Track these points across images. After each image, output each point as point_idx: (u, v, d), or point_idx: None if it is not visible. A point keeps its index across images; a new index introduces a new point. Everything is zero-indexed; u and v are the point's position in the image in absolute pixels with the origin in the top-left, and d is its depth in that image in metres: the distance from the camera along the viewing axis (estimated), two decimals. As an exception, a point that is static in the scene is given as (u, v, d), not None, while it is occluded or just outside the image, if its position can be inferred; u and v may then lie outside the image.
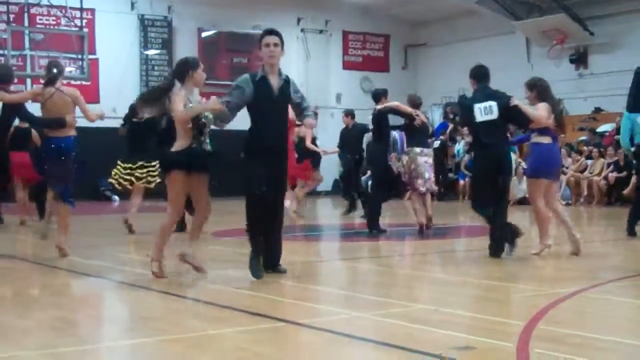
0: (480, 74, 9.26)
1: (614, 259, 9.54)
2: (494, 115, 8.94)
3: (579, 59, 24.74)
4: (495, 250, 8.99)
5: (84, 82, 22.07)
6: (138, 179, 12.20)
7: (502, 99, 9.05)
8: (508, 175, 9.39)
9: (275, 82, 7.73)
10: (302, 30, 28.27)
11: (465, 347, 4.71)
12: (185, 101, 7.47)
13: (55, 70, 9.26)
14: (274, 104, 7.67)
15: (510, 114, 8.99)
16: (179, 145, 7.47)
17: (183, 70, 7.67)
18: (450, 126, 24.55)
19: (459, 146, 24.45)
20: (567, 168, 20.10)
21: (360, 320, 5.74)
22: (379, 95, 12.99)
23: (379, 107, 12.59)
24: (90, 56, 23.08)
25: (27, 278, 8.41)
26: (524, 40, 25.92)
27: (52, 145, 9.11)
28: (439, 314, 5.79)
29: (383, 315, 5.79)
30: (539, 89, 9.23)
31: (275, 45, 7.79)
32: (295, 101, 7.92)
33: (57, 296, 7.31)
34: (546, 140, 9.12)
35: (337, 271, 8.91)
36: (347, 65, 29.53)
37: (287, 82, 7.84)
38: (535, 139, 9.19)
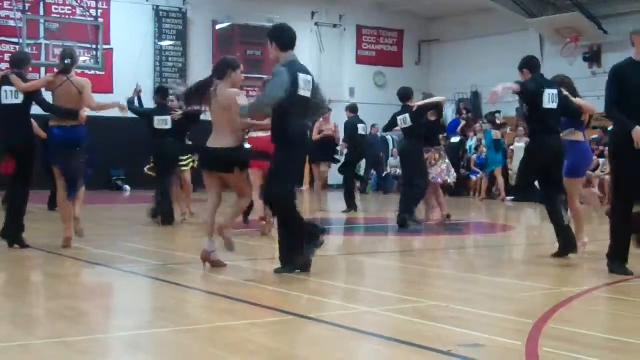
0: (533, 64, 8.96)
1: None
2: (555, 104, 8.70)
3: (593, 58, 24.64)
4: (564, 250, 8.67)
5: (98, 72, 22.15)
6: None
7: (557, 88, 8.81)
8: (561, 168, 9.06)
9: None
10: (316, 24, 28.25)
11: (475, 344, 4.70)
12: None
13: (68, 61, 9.25)
14: None
15: (565, 104, 8.75)
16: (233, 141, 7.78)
17: (224, 70, 7.87)
18: (462, 123, 24.48)
19: (471, 142, 24.39)
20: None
21: (370, 316, 5.74)
22: (409, 94, 13.24)
23: (419, 103, 12.87)
24: (105, 46, 23.15)
25: (38, 267, 8.44)
26: (537, 37, 25.84)
27: (59, 134, 9.13)
28: (449, 311, 5.79)
29: (393, 311, 5.79)
30: (567, 86, 9.10)
31: None
32: None
33: (67, 285, 7.34)
34: (581, 137, 9.03)
35: (348, 266, 8.91)
36: (360, 60, 29.50)
37: None
38: (570, 136, 8.92)
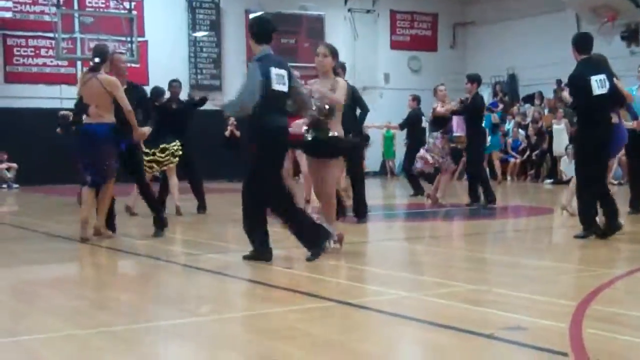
0: (580, 44, 8.63)
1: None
2: (606, 89, 8.44)
3: (630, 36, 24.29)
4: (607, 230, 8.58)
5: (133, 65, 22.25)
6: (159, 163, 12.08)
7: (611, 73, 8.61)
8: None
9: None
10: (349, 10, 28.16)
11: (517, 327, 4.66)
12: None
13: (97, 60, 9.26)
14: None
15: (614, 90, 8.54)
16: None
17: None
18: (500, 106, 24.35)
19: (509, 125, 24.23)
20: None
21: (410, 301, 5.72)
22: (478, 79, 13.60)
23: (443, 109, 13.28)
24: (139, 38, 23.31)
25: (77, 258, 8.53)
26: (574, 17, 25.51)
27: (84, 131, 9.23)
28: (490, 294, 5.76)
29: (433, 296, 5.77)
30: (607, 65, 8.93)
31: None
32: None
33: (107, 275, 7.42)
34: (616, 119, 8.93)
35: (386, 251, 8.89)
36: (394, 45, 29.37)
37: None
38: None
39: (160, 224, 9.59)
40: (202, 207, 12.86)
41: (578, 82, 8.50)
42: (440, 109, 13.40)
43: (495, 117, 21.76)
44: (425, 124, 16.24)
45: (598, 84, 8.41)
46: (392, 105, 24.45)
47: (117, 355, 4.33)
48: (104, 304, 5.84)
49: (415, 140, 16.15)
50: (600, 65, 8.67)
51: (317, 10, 27.40)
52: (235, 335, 4.80)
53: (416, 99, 16.64)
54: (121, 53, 11.98)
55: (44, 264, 8.09)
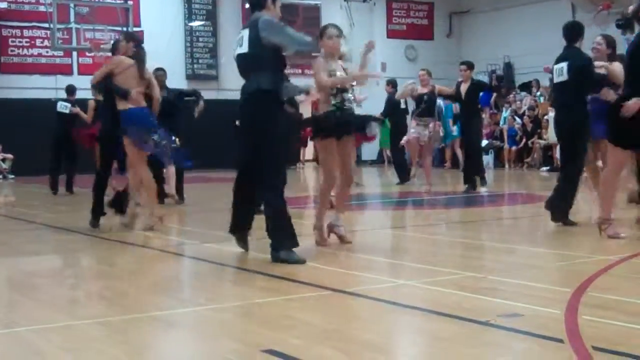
0: (565, 34, 8.98)
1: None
2: (564, 76, 8.74)
3: (626, 24, 24.24)
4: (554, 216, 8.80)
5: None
6: None
7: (576, 60, 8.74)
8: (580, 139, 8.91)
9: None
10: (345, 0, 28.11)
11: (514, 314, 4.68)
12: (328, 68, 7.58)
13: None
14: None
15: (583, 75, 8.65)
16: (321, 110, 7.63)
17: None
18: (494, 94, 24.35)
19: (506, 113, 24.25)
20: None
21: (408, 288, 5.73)
22: (473, 65, 14.02)
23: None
24: (135, 28, 23.19)
25: (75, 249, 8.52)
26: (569, 5, 25.50)
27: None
28: (487, 282, 5.77)
29: (430, 283, 5.78)
30: (614, 49, 9.02)
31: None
32: None
33: (105, 266, 7.42)
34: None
35: (383, 239, 8.90)
36: (391, 34, 29.33)
37: None
38: (606, 96, 8.89)
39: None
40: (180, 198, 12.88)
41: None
42: (440, 87, 13.88)
43: (456, 107, 21.64)
44: (404, 105, 16.37)
45: (557, 72, 8.83)
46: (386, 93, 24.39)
47: (114, 345, 4.33)
48: (100, 295, 5.85)
49: (397, 124, 16.25)
50: (568, 55, 8.86)
51: (314, 0, 27.35)
52: (233, 324, 4.80)
53: (391, 83, 16.82)
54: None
55: (40, 254, 8.10)
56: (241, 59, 7.00)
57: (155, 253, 7.82)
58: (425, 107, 13.44)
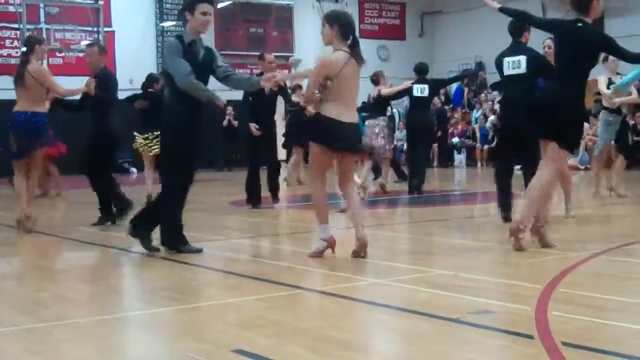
0: (511, 29, 9.09)
1: (631, 222, 9.49)
2: (522, 69, 8.75)
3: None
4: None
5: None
6: (151, 148, 12.25)
7: (532, 52, 8.85)
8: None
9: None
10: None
11: (485, 311, 4.68)
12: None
13: (23, 49, 9.27)
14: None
15: (539, 66, 8.71)
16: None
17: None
18: (466, 90, 24.47)
19: (477, 114, 24.36)
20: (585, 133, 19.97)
21: (379, 287, 5.72)
22: (426, 68, 13.93)
23: (386, 91, 13.59)
24: (106, 29, 23.09)
25: (41, 250, 8.44)
26: (539, 5, 25.64)
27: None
28: (457, 279, 5.77)
29: (401, 281, 5.77)
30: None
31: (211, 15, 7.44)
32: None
33: (69, 267, 7.36)
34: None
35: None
36: (363, 34, 29.26)
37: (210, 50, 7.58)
38: None
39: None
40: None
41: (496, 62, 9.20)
42: (383, 89, 13.71)
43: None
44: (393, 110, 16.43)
45: (509, 65, 8.90)
46: (361, 93, 24.19)
47: (80, 347, 4.27)
48: (65, 296, 5.78)
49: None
50: (524, 49, 8.94)
51: (286, 0, 27.32)
52: (202, 325, 4.76)
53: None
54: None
55: (4, 256, 8.00)
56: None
57: (121, 253, 7.75)
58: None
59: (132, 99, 12.45)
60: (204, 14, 7.21)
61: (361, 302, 5.17)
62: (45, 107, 9.33)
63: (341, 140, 6.79)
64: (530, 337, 4.06)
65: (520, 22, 8.86)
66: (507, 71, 8.90)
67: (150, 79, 12.60)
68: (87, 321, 4.80)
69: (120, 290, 5.97)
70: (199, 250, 7.23)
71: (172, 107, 7.10)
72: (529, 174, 8.03)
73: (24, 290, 6.03)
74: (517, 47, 8.94)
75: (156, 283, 6.29)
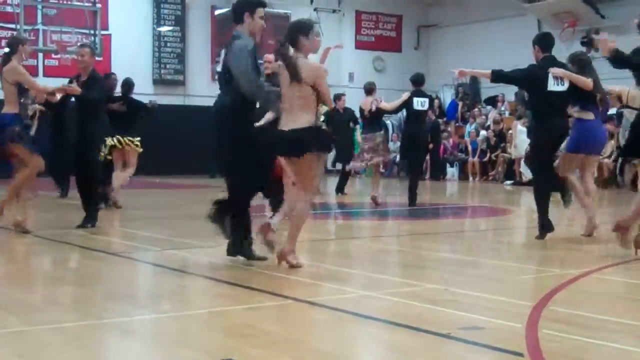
0: (545, 43, 8.90)
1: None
2: (565, 86, 8.67)
3: (590, 42, 24.52)
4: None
5: (96, 58, 22.04)
6: (121, 143, 12.48)
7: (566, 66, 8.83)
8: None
9: None
10: (315, 9, 28.09)
11: (474, 327, 4.68)
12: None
13: (6, 49, 9.28)
14: None
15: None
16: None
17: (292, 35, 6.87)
18: (460, 104, 24.51)
19: (470, 128, 24.41)
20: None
21: (369, 299, 5.71)
22: (422, 80, 13.79)
23: (387, 105, 13.78)
24: (103, 32, 23.04)
25: (34, 253, 8.41)
26: (535, 22, 25.75)
27: None
28: (448, 294, 5.77)
29: (391, 295, 5.77)
30: (580, 63, 9.04)
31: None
32: None
33: (60, 270, 7.33)
34: (589, 116, 8.99)
35: (346, 250, 8.88)
36: (359, 45, 29.40)
37: None
38: (578, 114, 8.96)
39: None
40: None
41: (536, 75, 8.71)
42: (384, 104, 13.75)
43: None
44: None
45: (554, 82, 8.63)
46: (356, 104, 24.36)
47: (68, 351, 4.25)
48: (56, 300, 5.76)
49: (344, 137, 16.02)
50: (557, 63, 8.79)
51: (283, 9, 27.34)
52: (191, 333, 4.75)
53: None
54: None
55: (-1, 258, 7.99)
56: (218, 76, 7.17)
57: (113, 258, 7.72)
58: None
59: (111, 100, 12.46)
60: (262, 18, 7.10)
61: (351, 314, 5.16)
62: (16, 107, 9.22)
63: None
64: (520, 354, 4.06)
65: (550, 36, 9.08)
66: (551, 87, 8.66)
67: (132, 84, 12.98)
68: (77, 325, 4.79)
69: (111, 296, 5.95)
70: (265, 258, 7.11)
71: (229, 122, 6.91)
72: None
73: (14, 293, 5.98)
74: (552, 62, 8.80)
75: (148, 289, 6.28)
